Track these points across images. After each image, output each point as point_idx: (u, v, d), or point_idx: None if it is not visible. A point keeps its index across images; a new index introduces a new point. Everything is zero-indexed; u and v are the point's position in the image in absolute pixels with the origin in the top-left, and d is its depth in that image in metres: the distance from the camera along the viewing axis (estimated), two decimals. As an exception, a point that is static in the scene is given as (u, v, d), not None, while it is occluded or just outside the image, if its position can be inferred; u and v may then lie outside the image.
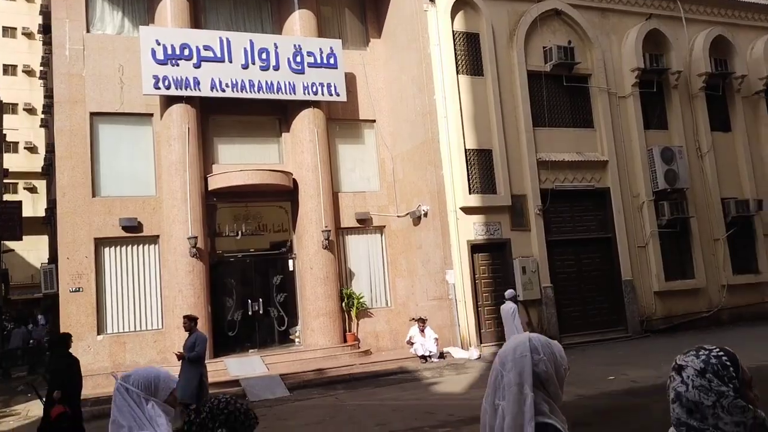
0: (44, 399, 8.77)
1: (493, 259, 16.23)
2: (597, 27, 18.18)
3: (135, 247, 15.67)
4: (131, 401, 2.63)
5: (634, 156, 17.95)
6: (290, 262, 17.01)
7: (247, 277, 17.12)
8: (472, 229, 15.89)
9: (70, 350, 8.97)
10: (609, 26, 18.46)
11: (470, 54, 16.66)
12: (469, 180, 15.93)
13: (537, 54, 17.29)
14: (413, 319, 15.66)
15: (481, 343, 15.49)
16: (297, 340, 16.68)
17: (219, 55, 15.91)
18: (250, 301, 16.63)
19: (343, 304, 16.64)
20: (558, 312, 16.34)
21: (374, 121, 18.16)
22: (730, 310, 18.34)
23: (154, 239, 15.73)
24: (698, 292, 18.17)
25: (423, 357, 14.86)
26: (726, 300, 18.34)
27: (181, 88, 15.45)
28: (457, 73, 16.30)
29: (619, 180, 17.63)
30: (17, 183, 41.97)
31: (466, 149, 16.02)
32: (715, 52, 19.33)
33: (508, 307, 13.46)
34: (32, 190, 41.27)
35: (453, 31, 16.45)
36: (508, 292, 13.91)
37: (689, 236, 18.32)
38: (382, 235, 17.95)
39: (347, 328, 16.70)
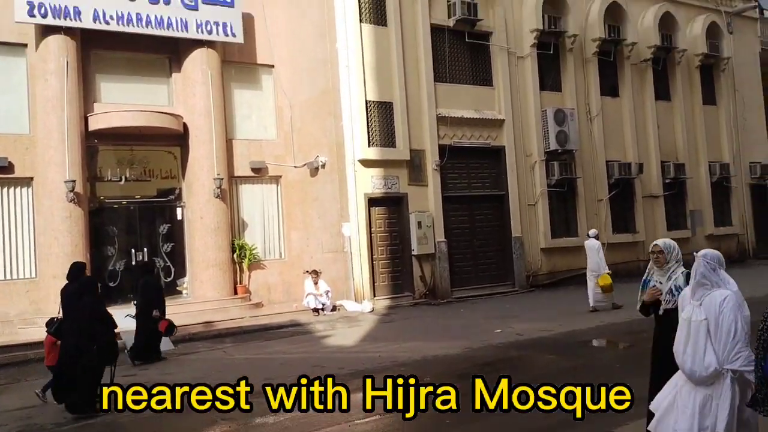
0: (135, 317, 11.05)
1: (389, 213, 16.23)
2: (500, -16, 18.20)
3: (5, 189, 14.40)
4: (709, 269, 4.21)
5: (529, 116, 18.36)
6: (179, 210, 16.23)
7: (131, 226, 16.20)
8: (370, 182, 15.75)
9: None
10: (512, -15, 18.53)
11: (374, 2, 16.23)
12: (368, 132, 15.71)
13: (441, 8, 17.11)
14: (307, 271, 15.46)
15: (374, 296, 15.57)
16: (185, 291, 16.07)
17: (103, -17, 14.58)
18: (134, 250, 15.78)
19: (235, 256, 16.15)
20: (451, 266, 16.66)
21: (273, 66, 17.41)
22: (609, 267, 19.36)
23: (27, 181, 14.49)
24: (580, 250, 18.97)
25: (316, 310, 14.74)
26: (606, 257, 19.31)
27: (59, 17, 14.09)
28: (360, 21, 15.86)
29: (514, 139, 18.00)
30: None
31: (366, 101, 15.73)
32: (610, 19, 19.94)
33: (592, 243, 14.13)
34: None
35: (357, -24, 15.90)
36: (592, 231, 14.86)
37: (575, 196, 19.11)
38: (277, 186, 17.46)
39: (238, 280, 16.27)
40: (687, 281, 4.60)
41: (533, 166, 18.34)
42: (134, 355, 10.84)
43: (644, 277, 5.07)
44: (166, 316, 11.36)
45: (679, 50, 21.57)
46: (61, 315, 8.35)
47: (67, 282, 8.62)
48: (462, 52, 17.65)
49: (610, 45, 20.07)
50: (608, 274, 13.54)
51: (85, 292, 7.94)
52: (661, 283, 4.90)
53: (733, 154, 23.29)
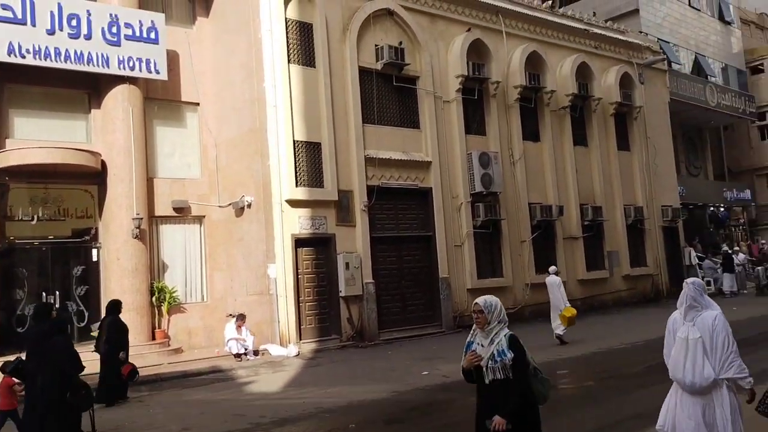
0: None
1: (317, 253, 16.03)
2: (426, 31, 18.69)
3: None
4: (698, 293, 4.81)
5: (455, 158, 18.72)
6: (94, 251, 15.51)
7: (43, 267, 15.33)
8: (297, 222, 15.55)
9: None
10: (437, 32, 19.07)
11: (303, 44, 16.30)
12: (296, 172, 15.58)
13: (369, 51, 17.37)
14: (231, 314, 14.99)
15: (300, 339, 15.21)
16: (100, 337, 15.21)
17: (20, 16, 14.07)
18: (45, 293, 14.91)
19: (154, 299, 15.51)
20: (378, 308, 16.54)
21: (198, 104, 17.15)
22: (532, 307, 19.79)
23: (-74, 220, 13.54)
24: (506, 290, 19.39)
25: (238, 355, 14.26)
26: (529, 297, 19.77)
27: (-31, 49, 13.42)
28: (289, 62, 15.86)
29: (441, 181, 18.28)
30: None
31: (294, 140, 15.64)
32: (530, 67, 20.77)
33: (553, 280, 14.77)
34: None
35: (286, 18, 15.96)
36: (552, 268, 15.49)
37: (500, 237, 19.50)
38: (201, 226, 17.01)
39: (157, 325, 15.60)
40: (511, 345, 4.20)
41: (459, 208, 18.64)
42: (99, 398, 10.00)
43: (468, 338, 4.49)
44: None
45: (594, 98, 22.66)
46: (23, 356, 7.94)
47: (31, 323, 9.03)
48: (390, 94, 17.92)
49: (531, 92, 20.87)
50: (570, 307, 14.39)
51: (56, 332, 7.75)
52: (482, 346, 4.30)
53: (646, 197, 24.44)
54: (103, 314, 15.09)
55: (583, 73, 22.35)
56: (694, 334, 4.75)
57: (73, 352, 7.79)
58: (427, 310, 17.79)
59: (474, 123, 19.64)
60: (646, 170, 24.64)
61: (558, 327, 14.31)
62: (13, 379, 7.95)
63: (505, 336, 4.26)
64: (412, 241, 17.87)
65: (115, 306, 11.21)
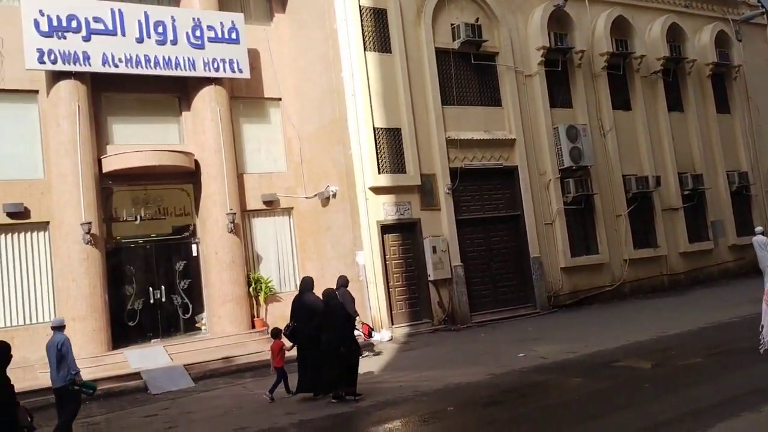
0: None
1: (403, 239, 16.08)
2: (503, 5, 18.22)
3: (22, 234, 14.52)
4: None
5: (541, 134, 18.21)
6: (194, 247, 16.23)
7: (148, 264, 16.21)
8: (381, 209, 15.65)
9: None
10: (515, 5, 18.55)
11: (378, 30, 16.29)
12: (378, 159, 15.65)
13: (445, 31, 17.14)
14: (324, 302, 15.29)
15: (392, 324, 15.35)
16: (203, 327, 15.98)
17: (111, 27, 14.82)
18: (151, 288, 15.78)
19: (251, 289, 16.09)
20: (468, 291, 16.41)
21: (280, 99, 17.53)
22: (631, 284, 19.07)
23: (43, 226, 14.62)
24: (602, 267, 18.76)
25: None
26: (627, 274, 19.04)
27: (69, 63, 14.30)
28: (365, 50, 15.90)
29: (527, 158, 17.85)
30: None
31: (374, 128, 15.71)
32: (616, 33, 19.84)
33: (760, 239, 14.95)
34: None
35: (360, 6, 15.99)
36: (758, 228, 15.76)
37: (593, 213, 18.85)
38: (290, 217, 17.44)
39: (256, 314, 16.18)
40: None
41: (548, 185, 18.14)
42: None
43: None
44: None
45: (688, 60, 21.38)
46: (293, 323, 10.06)
47: (299, 293, 10.46)
48: (469, 73, 17.63)
49: (619, 58, 19.95)
50: None
51: (329, 299, 9.69)
52: None
53: (751, 162, 22.89)
54: (206, 306, 15.90)
55: (674, 35, 21.13)
56: None
57: (348, 315, 9.58)
58: (519, 291, 17.49)
59: (559, 96, 19.02)
60: (750, 133, 23.07)
61: None
62: (284, 341, 10.20)
63: None
64: (499, 222, 17.58)
65: (308, 283, 10.66)
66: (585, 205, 18.66)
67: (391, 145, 15.97)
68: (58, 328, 8.75)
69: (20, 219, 14.32)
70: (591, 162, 18.45)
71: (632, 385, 8.56)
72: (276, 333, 10.44)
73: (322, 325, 9.45)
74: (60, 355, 8.39)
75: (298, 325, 9.94)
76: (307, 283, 10.61)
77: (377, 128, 15.75)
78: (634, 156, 20.10)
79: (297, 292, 10.78)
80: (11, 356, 6.70)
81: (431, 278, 15.84)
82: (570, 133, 18.08)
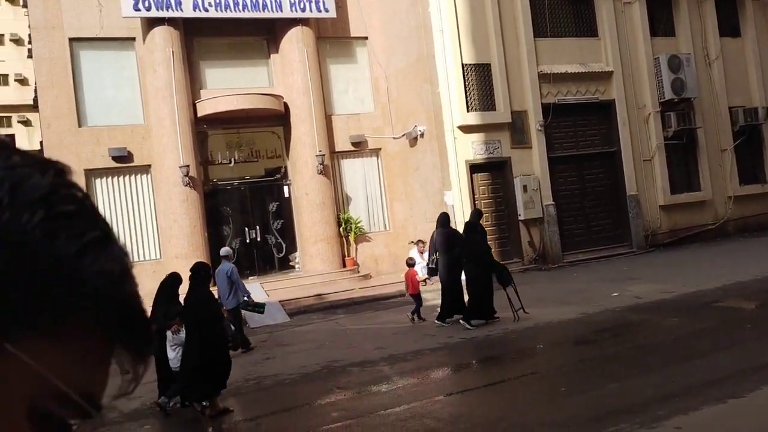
0: None
1: (493, 178, 15.81)
2: (601, -73, 17.02)
3: (127, 177, 15.35)
4: None
5: (640, 65, 17.19)
6: (285, 188, 16.65)
7: (243, 205, 16.83)
8: (470, 148, 15.39)
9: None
10: (614, -74, 17.29)
11: (466, -39, 15.65)
12: (466, 97, 15.31)
13: (537, -42, 16.27)
14: (412, 242, 15.40)
15: (482, 263, 15.27)
16: (296, 266, 16.53)
17: (200, -28, 15.01)
18: (247, 228, 16.40)
19: (341, 229, 16.41)
20: (560, 230, 16.04)
21: (366, 38, 17.35)
22: (735, 222, 18.05)
23: (145, 169, 15.37)
24: (704, 205, 17.83)
25: (423, 280, 14.67)
26: (732, 211, 18.00)
27: (162, 9, 14.70)
28: (453, -18, 15.37)
29: (625, 91, 16.94)
30: (11, 116, 41.20)
31: (463, 64, 15.30)
32: (727, -49, 18.21)
33: None
34: (26, 123, 40.48)
35: (447, -64, 15.39)
36: None
37: (696, 147, 17.80)
38: (378, 158, 17.50)
39: (346, 253, 16.53)
40: None
41: (647, 119, 17.21)
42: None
43: None
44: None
45: (810, -23, 19.40)
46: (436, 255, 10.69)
47: (439, 229, 10.79)
48: (563, 3, 16.74)
49: (729, -20, 18.37)
50: None
51: (465, 231, 10.48)
52: None
53: None
54: (298, 246, 16.36)
55: (794, -51, 19.16)
56: None
57: (486, 244, 10.43)
58: (614, 230, 16.93)
59: (660, 24, 17.79)
60: None
61: None
62: (416, 270, 11.14)
63: None
64: (594, 159, 16.93)
65: (446, 217, 11.39)
66: (687, 139, 17.62)
67: (480, 81, 15.54)
68: (226, 257, 9.68)
69: (125, 163, 15.11)
70: (694, 94, 17.30)
71: (733, 326, 8.18)
72: (411, 263, 11.45)
73: (461, 254, 10.12)
74: (230, 281, 9.62)
75: (440, 257, 10.61)
76: (445, 218, 11.25)
77: (466, 64, 15.34)
78: (743, 86, 18.66)
79: (436, 226, 11.29)
80: (181, 279, 7.63)
81: (521, 218, 15.58)
82: (672, 64, 16.95)
